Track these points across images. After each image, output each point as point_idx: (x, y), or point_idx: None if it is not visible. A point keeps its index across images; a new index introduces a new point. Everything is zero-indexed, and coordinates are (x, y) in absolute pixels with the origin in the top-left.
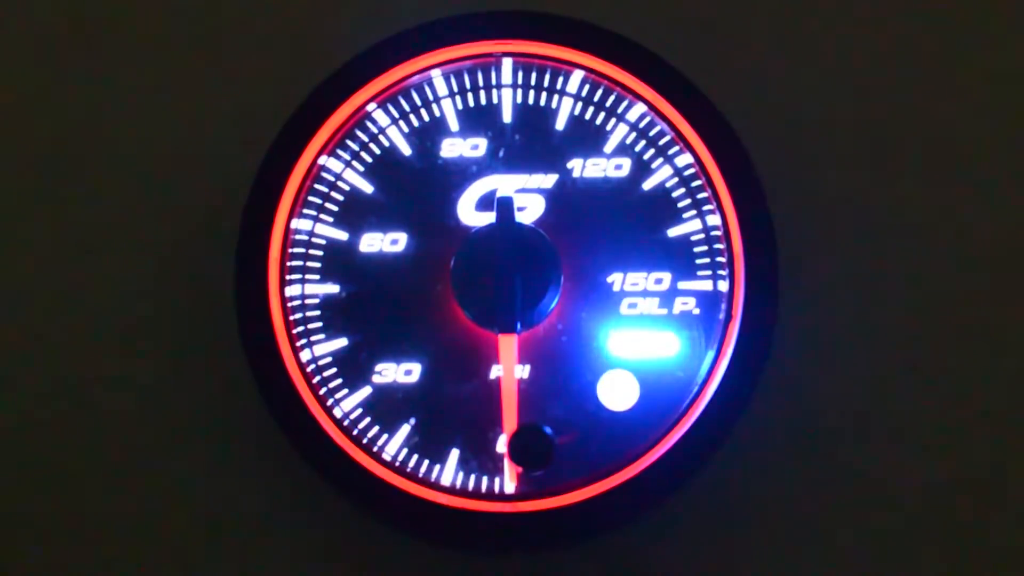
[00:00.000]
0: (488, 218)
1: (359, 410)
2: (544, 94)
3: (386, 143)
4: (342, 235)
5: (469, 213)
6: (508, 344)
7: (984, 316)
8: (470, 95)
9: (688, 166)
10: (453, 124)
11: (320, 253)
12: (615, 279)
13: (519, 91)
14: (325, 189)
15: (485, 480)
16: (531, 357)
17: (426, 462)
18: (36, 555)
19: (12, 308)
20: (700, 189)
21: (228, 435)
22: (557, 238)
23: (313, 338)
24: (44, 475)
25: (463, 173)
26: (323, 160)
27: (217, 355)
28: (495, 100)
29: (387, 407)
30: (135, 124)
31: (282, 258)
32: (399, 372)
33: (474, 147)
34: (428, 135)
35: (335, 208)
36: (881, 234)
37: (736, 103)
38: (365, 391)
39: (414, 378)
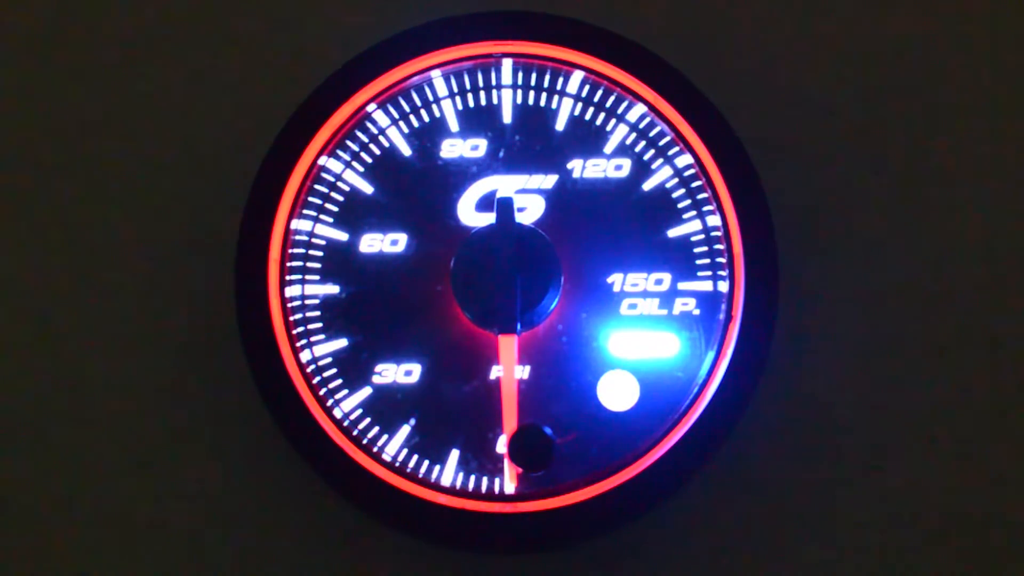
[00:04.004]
0: (488, 219)
1: (359, 410)
2: (544, 95)
3: (386, 144)
4: (342, 236)
5: (469, 214)
6: (508, 345)
7: (985, 315)
8: (470, 96)
9: (688, 166)
10: (453, 125)
11: (320, 254)
12: (615, 280)
13: (519, 92)
14: (325, 190)
15: (485, 480)
16: (531, 358)
17: (426, 462)
18: (35, 554)
19: (11, 308)
20: (700, 189)
21: (228, 435)
22: (557, 239)
23: (313, 338)
24: (43, 475)
25: (463, 174)
26: (323, 160)
27: (217, 355)
28: (495, 101)
29: (387, 407)
30: (134, 124)
31: (282, 258)
32: (399, 373)
33: (474, 148)
34: (428, 136)
35: (335, 209)
36: (882, 234)
37: (736, 103)
38: (365, 391)
39: (414, 379)
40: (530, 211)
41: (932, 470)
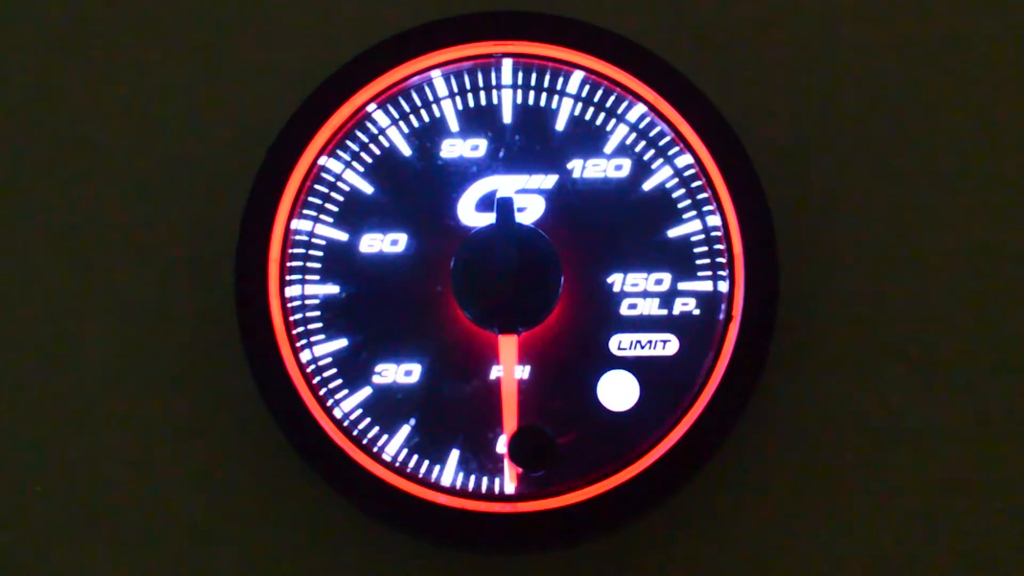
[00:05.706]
0: (488, 219)
1: (359, 410)
2: (544, 95)
3: (386, 144)
4: (342, 236)
5: (469, 214)
6: (508, 345)
7: (985, 316)
8: (470, 96)
9: (688, 166)
10: (453, 125)
11: (320, 254)
12: (615, 280)
13: (519, 92)
14: (325, 190)
15: (485, 480)
16: (531, 357)
17: (426, 462)
18: (35, 553)
19: (11, 309)
20: (700, 189)
21: (228, 435)
22: (557, 239)
23: (313, 338)
24: (43, 474)
25: (463, 174)
26: (323, 160)
27: (217, 355)
28: (495, 101)
29: (387, 407)
30: (134, 124)
31: (282, 258)
32: (399, 372)
33: (474, 148)
34: (428, 136)
35: (335, 209)
36: (881, 234)
37: (736, 103)
38: (365, 391)
39: (414, 378)
40: (530, 211)
41: (932, 470)
